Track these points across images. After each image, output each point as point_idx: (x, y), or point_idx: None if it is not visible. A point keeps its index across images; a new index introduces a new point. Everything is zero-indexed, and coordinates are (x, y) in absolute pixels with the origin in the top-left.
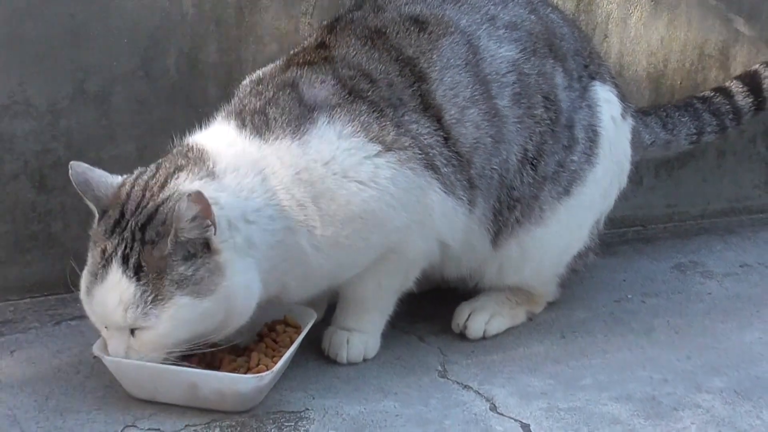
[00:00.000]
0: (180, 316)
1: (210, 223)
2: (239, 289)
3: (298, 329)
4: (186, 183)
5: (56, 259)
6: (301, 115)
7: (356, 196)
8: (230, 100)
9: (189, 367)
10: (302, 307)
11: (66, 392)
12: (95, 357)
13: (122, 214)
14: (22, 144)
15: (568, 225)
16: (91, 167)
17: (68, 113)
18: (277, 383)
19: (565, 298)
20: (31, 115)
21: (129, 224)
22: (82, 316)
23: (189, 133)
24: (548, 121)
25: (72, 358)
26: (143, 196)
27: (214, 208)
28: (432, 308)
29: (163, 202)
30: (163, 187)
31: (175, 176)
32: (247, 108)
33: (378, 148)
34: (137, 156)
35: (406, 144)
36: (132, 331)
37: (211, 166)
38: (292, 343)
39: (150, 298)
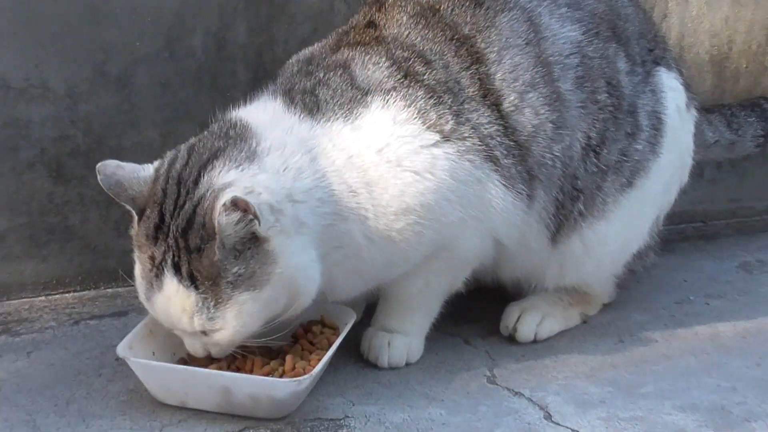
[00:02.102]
0: (244, 312)
1: (252, 216)
2: (296, 270)
3: (336, 330)
4: (221, 175)
5: (74, 253)
6: (354, 98)
7: (411, 187)
8: (274, 79)
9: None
10: (340, 306)
11: (88, 396)
12: (117, 359)
13: (162, 217)
14: (38, 130)
15: (629, 220)
16: (121, 164)
17: (87, 97)
18: (314, 388)
19: (622, 300)
20: (48, 99)
21: (171, 229)
22: (102, 315)
23: (224, 111)
24: (611, 108)
25: (93, 360)
26: (179, 193)
27: (251, 197)
28: (478, 309)
29: (199, 202)
30: (197, 182)
31: (210, 166)
32: (296, 87)
33: (436, 137)
34: (161, 142)
35: (466, 134)
36: (204, 332)
37: (254, 144)
38: (330, 345)
39: (212, 304)
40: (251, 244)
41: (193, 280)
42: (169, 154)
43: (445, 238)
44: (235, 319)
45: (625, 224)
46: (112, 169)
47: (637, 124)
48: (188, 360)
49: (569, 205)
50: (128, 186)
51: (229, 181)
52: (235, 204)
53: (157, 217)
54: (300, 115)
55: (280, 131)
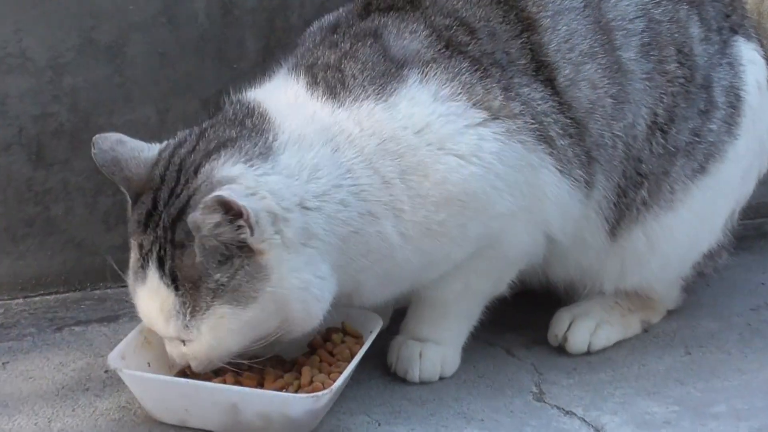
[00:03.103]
0: (221, 328)
1: (244, 223)
2: (292, 291)
3: (359, 339)
4: (225, 167)
5: (56, 249)
6: (387, 72)
7: (454, 173)
8: (293, 50)
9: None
10: (364, 311)
11: (73, 414)
12: (107, 371)
13: (155, 204)
14: (16, 106)
15: (701, 212)
16: (123, 139)
17: (73, 69)
18: (333, 406)
19: (689, 305)
20: (28, 71)
21: (162, 218)
22: (89, 321)
23: (238, 90)
24: (681, 80)
25: (78, 373)
26: (177, 180)
27: (250, 201)
28: (522, 315)
29: (194, 193)
30: (198, 170)
31: (215, 155)
32: (319, 61)
33: (483, 115)
34: (157, 121)
35: (516, 111)
36: (183, 341)
37: (270, 139)
38: (352, 356)
39: (188, 311)
40: (242, 252)
41: (174, 279)
42: (179, 136)
43: (492, 232)
44: (210, 333)
45: (695, 217)
46: (110, 143)
47: (711, 101)
48: (189, 372)
49: (632, 193)
50: (125, 165)
51: (231, 176)
52: (222, 204)
53: (150, 204)
54: (322, 97)
55: (300, 120)
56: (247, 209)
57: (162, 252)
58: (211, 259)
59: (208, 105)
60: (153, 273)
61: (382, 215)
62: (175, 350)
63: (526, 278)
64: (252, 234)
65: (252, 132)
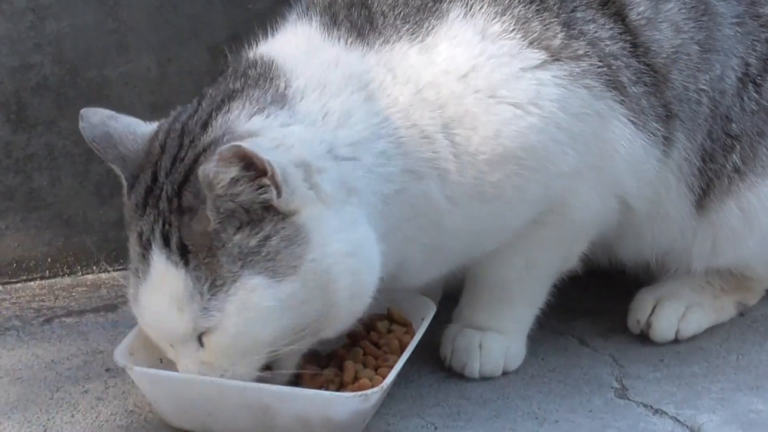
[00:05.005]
0: (252, 306)
1: (268, 182)
2: (339, 258)
3: (409, 328)
4: (241, 120)
5: (41, 226)
6: (424, 7)
7: (509, 126)
8: None
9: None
10: (413, 295)
11: (72, 421)
12: (109, 369)
13: (155, 177)
14: None
15: None
16: (114, 114)
17: (58, 11)
18: (380, 407)
19: None
20: (4, 14)
21: (164, 189)
22: (83, 311)
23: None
24: None
25: (76, 372)
26: (181, 145)
27: (277, 154)
28: (595, 298)
29: (204, 150)
30: (205, 126)
31: (224, 109)
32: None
33: (542, 56)
34: (158, 73)
35: (581, 52)
36: (200, 339)
37: (282, 86)
38: (402, 347)
39: (207, 286)
40: (269, 214)
41: (183, 253)
42: (178, 109)
43: (555, 195)
44: (238, 314)
45: None
46: (101, 117)
47: None
48: None
49: (720, 157)
50: (119, 141)
51: (253, 130)
52: (241, 157)
53: (150, 179)
54: (347, 39)
55: (318, 66)
56: (272, 165)
57: (166, 227)
58: (229, 225)
59: (218, 54)
60: (157, 257)
61: (425, 175)
62: (190, 360)
63: (595, 255)
64: (279, 195)
65: (257, 81)
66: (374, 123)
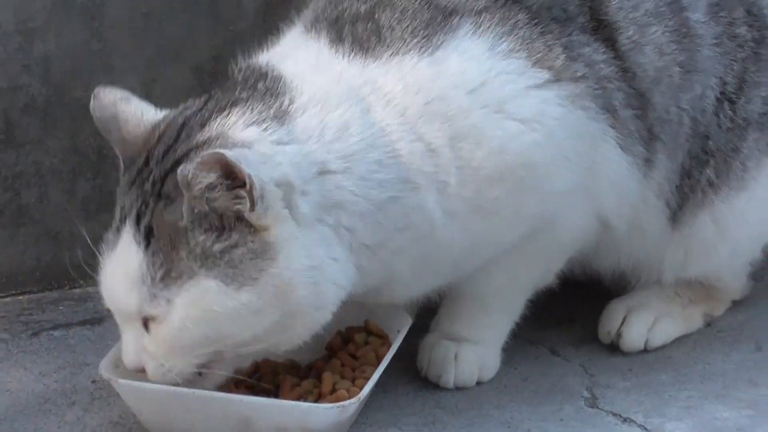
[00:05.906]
0: (201, 306)
1: (245, 195)
2: (301, 272)
3: (385, 340)
4: (237, 128)
5: (30, 242)
6: (433, 21)
7: (514, 142)
8: (310, 3)
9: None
10: (390, 308)
11: (58, 431)
12: (95, 381)
13: (147, 162)
14: None
15: None
16: (129, 96)
17: (45, 33)
18: (358, 417)
19: (758, 295)
20: None
21: (152, 173)
22: (70, 324)
23: (250, 54)
24: (752, 43)
25: (62, 384)
26: (177, 137)
27: (263, 169)
28: (567, 309)
29: (197, 147)
30: (203, 126)
31: (226, 112)
32: (346, 13)
33: (546, 75)
34: (142, 92)
35: (579, 74)
36: (146, 326)
37: (285, 103)
38: (379, 359)
39: (159, 274)
40: (241, 225)
41: (147, 235)
42: (188, 102)
43: (547, 212)
44: (185, 309)
45: None
46: (113, 98)
47: None
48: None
49: (696, 173)
50: (124, 125)
51: (247, 140)
52: (222, 166)
53: (142, 162)
54: (350, 53)
55: (323, 82)
56: (252, 179)
57: (142, 207)
58: (199, 226)
59: (201, 73)
60: (126, 232)
61: (423, 187)
62: (132, 342)
63: (570, 267)
64: (252, 209)
65: (264, 95)
66: (372, 134)
